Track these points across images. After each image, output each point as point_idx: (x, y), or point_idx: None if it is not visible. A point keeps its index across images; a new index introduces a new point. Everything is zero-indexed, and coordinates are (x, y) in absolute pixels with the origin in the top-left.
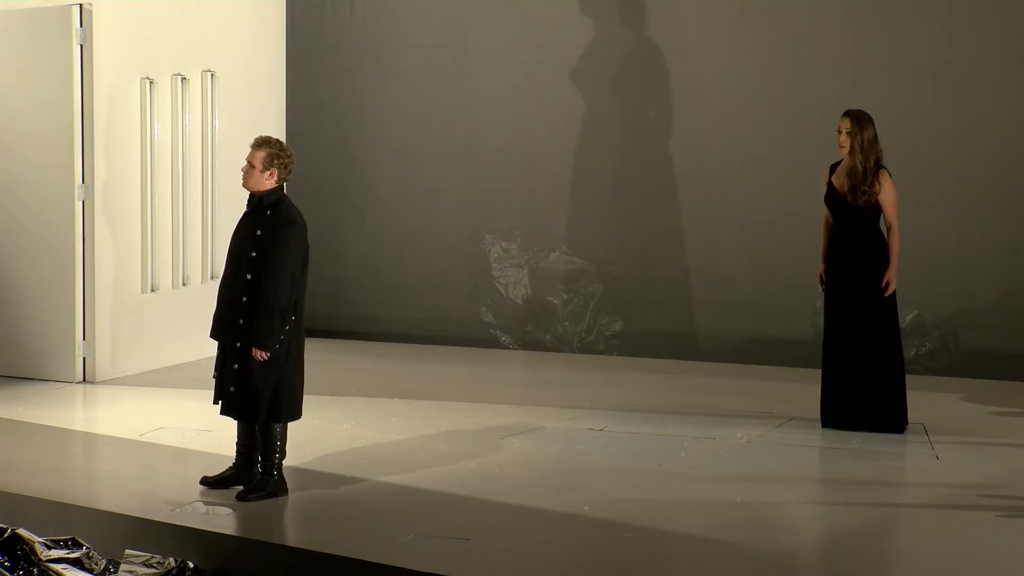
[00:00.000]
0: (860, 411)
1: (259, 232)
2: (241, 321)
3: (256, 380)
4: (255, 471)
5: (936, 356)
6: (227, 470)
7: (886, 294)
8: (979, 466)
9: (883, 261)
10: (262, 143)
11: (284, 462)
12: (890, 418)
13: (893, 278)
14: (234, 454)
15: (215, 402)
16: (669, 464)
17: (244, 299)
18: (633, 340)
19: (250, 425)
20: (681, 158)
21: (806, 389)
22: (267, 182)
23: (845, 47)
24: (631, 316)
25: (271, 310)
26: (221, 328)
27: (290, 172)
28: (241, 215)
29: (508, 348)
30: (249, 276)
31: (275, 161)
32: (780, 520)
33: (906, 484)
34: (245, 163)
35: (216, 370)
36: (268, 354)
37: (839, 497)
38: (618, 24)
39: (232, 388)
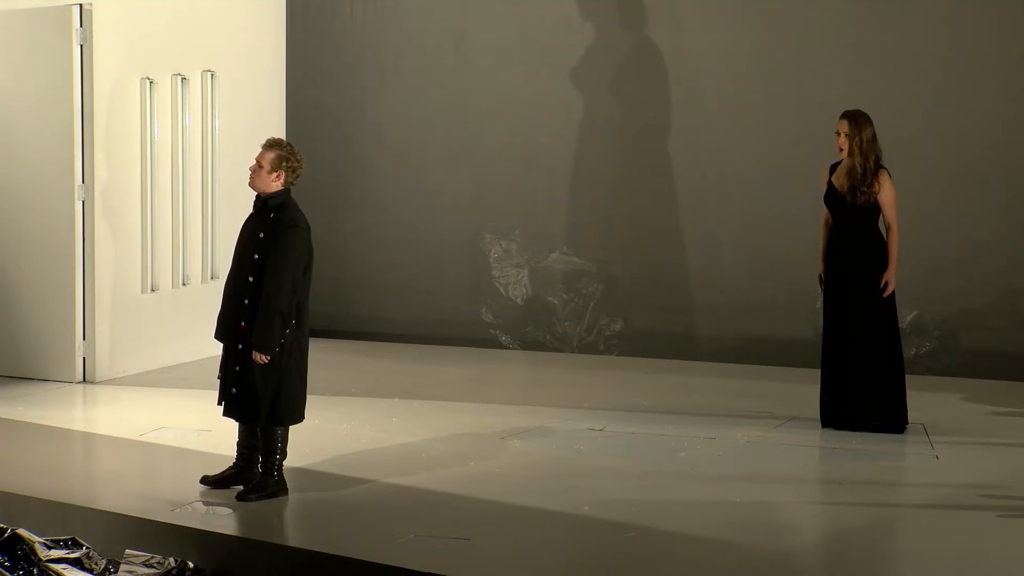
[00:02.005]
0: (860, 411)
1: (262, 235)
2: (243, 323)
3: (257, 383)
4: (255, 471)
5: (936, 356)
6: (227, 469)
7: (885, 294)
8: (979, 466)
9: (882, 261)
10: (273, 144)
11: (284, 463)
12: (890, 418)
13: (892, 278)
14: (235, 454)
15: (219, 403)
16: (669, 464)
17: (246, 301)
18: (633, 340)
19: (251, 426)
20: (681, 158)
21: (806, 389)
22: (273, 183)
23: (845, 47)
24: (631, 316)
25: (271, 313)
26: (224, 330)
27: (298, 176)
28: (247, 216)
29: (508, 348)
30: (251, 278)
31: (283, 163)
32: (780, 520)
33: (906, 484)
34: (254, 162)
35: (220, 371)
36: (268, 357)
37: (839, 497)
38: (618, 24)
39: (234, 390)
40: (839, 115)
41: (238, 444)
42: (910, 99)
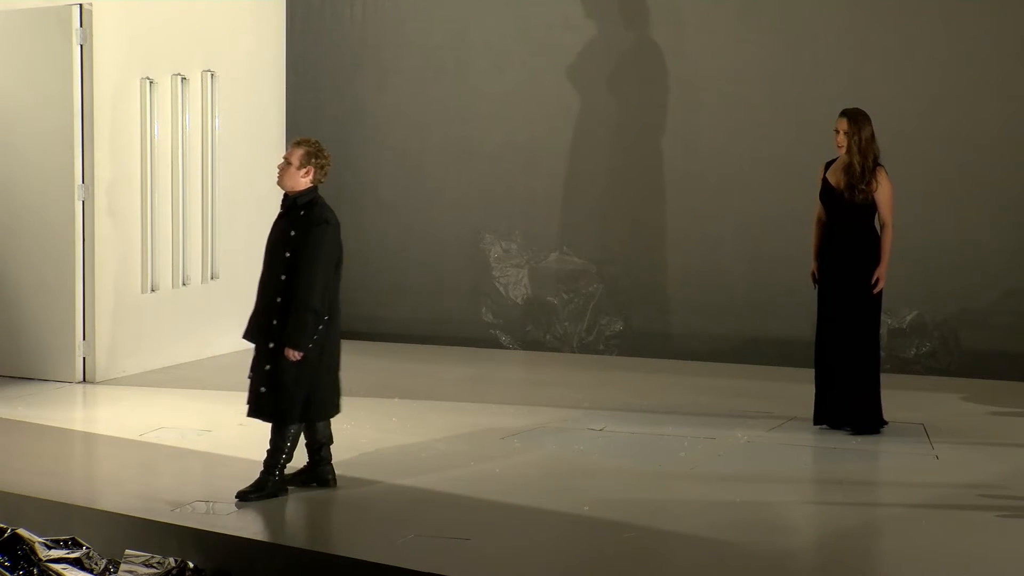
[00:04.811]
0: (841, 410)
1: (293, 233)
2: (275, 322)
3: (288, 380)
4: (327, 468)
5: (936, 356)
6: (301, 470)
7: (876, 291)
8: (979, 466)
9: (875, 259)
10: (300, 142)
11: (288, 464)
12: (863, 419)
13: (883, 276)
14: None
15: (248, 403)
16: (669, 464)
17: (278, 300)
18: (633, 340)
19: (310, 424)
20: (681, 158)
21: (805, 389)
22: (302, 180)
23: (845, 47)
24: (631, 316)
25: (305, 310)
26: (255, 329)
27: (326, 174)
28: (276, 216)
29: (508, 348)
30: (283, 277)
31: (312, 160)
32: (780, 520)
33: (906, 484)
34: (282, 160)
35: (252, 371)
36: (301, 354)
37: (839, 497)
38: (618, 24)
39: (263, 389)
40: (839, 113)
41: (306, 445)
42: (910, 99)
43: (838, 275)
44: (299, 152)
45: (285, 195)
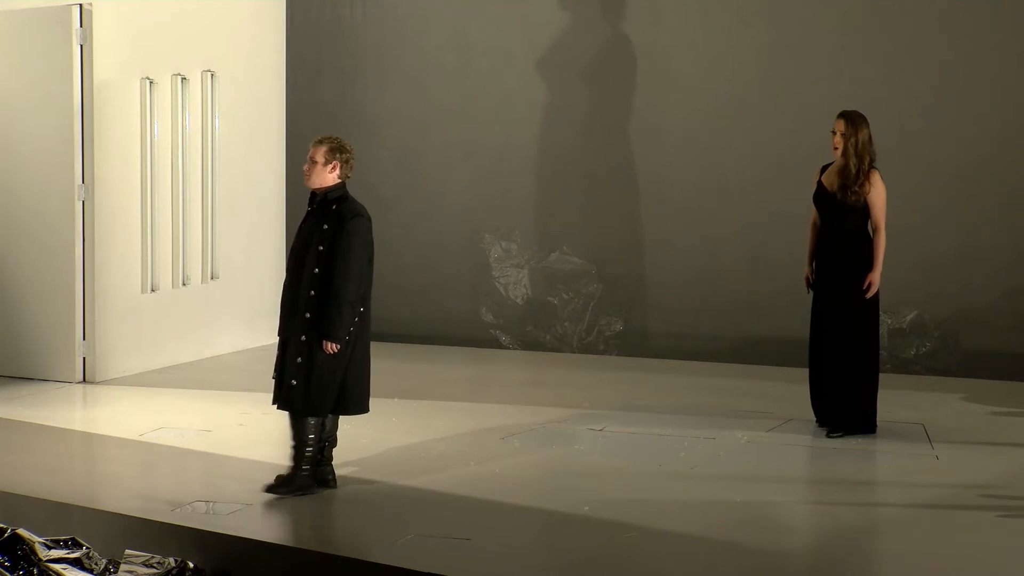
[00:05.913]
0: (836, 411)
1: (326, 226)
2: (308, 315)
3: (322, 373)
4: (328, 468)
5: (936, 356)
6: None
7: (868, 295)
8: (979, 466)
9: (868, 262)
10: (323, 139)
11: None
12: (859, 420)
13: (877, 280)
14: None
15: (274, 402)
16: (669, 464)
17: (312, 293)
18: (633, 340)
19: (322, 418)
20: (681, 158)
21: (805, 389)
22: (330, 176)
23: (844, 47)
24: (631, 316)
25: (341, 302)
26: (287, 325)
27: (351, 167)
28: (305, 214)
29: (508, 348)
30: (317, 270)
31: (337, 155)
32: (780, 520)
33: (906, 484)
34: (307, 161)
35: (276, 371)
36: (338, 346)
37: (839, 497)
38: (618, 25)
39: (294, 382)
40: (837, 115)
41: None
42: (909, 99)
43: (832, 279)
44: (323, 149)
45: (313, 193)
